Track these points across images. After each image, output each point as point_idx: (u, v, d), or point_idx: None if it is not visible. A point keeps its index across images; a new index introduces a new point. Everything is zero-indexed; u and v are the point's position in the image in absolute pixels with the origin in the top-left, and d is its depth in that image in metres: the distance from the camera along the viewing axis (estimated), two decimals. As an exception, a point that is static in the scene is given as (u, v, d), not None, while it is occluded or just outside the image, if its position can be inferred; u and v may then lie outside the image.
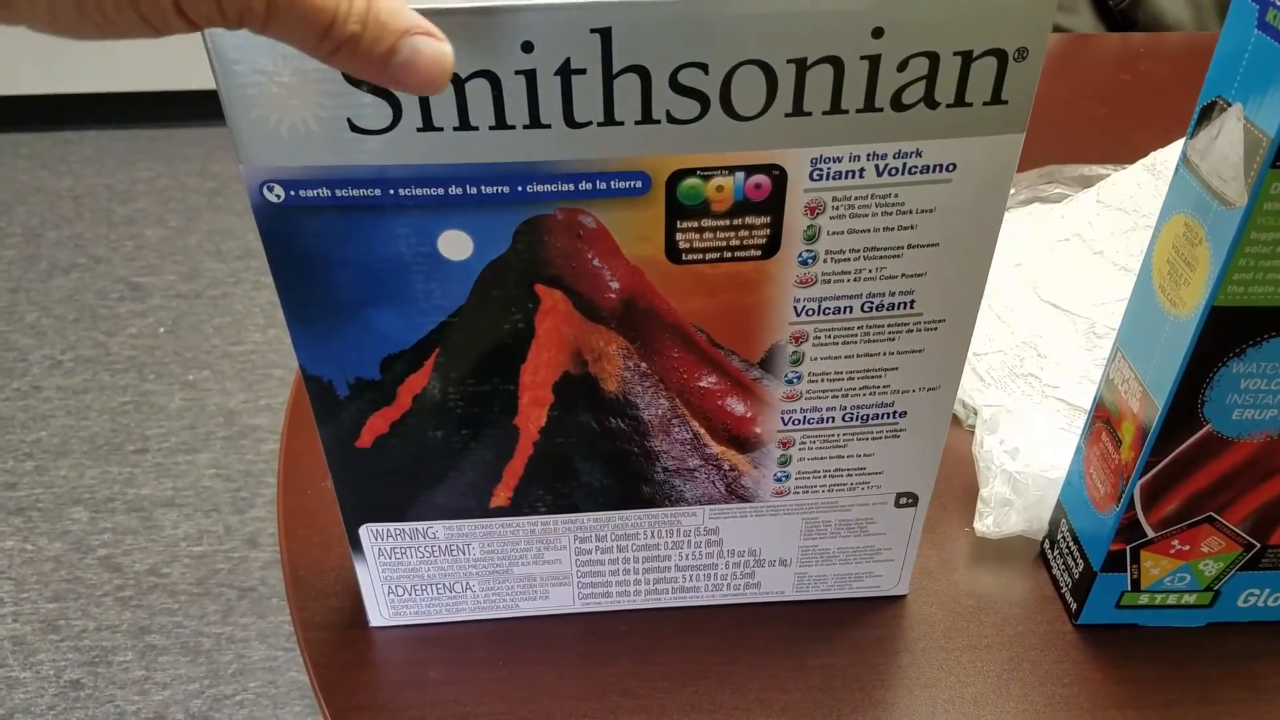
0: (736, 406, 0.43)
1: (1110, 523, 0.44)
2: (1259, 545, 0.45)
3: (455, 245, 0.36)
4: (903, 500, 0.48)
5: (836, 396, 0.44)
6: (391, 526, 0.47)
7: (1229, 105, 0.35)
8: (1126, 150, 0.88)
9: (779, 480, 0.47)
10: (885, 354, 0.42)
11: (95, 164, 2.37)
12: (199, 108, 2.40)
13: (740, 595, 0.51)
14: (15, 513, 1.53)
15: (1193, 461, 0.42)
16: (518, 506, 0.47)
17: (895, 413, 0.44)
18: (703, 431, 0.44)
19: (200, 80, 2.35)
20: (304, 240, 0.36)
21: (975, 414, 0.59)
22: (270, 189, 0.34)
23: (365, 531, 0.47)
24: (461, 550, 0.49)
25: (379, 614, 0.50)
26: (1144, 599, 0.47)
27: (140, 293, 1.96)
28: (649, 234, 0.37)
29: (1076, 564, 0.48)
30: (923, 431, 0.45)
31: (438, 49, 0.27)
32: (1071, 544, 0.48)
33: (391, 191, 0.34)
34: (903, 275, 0.39)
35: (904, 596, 0.51)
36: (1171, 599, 0.47)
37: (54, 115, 2.46)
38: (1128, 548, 0.45)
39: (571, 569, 0.50)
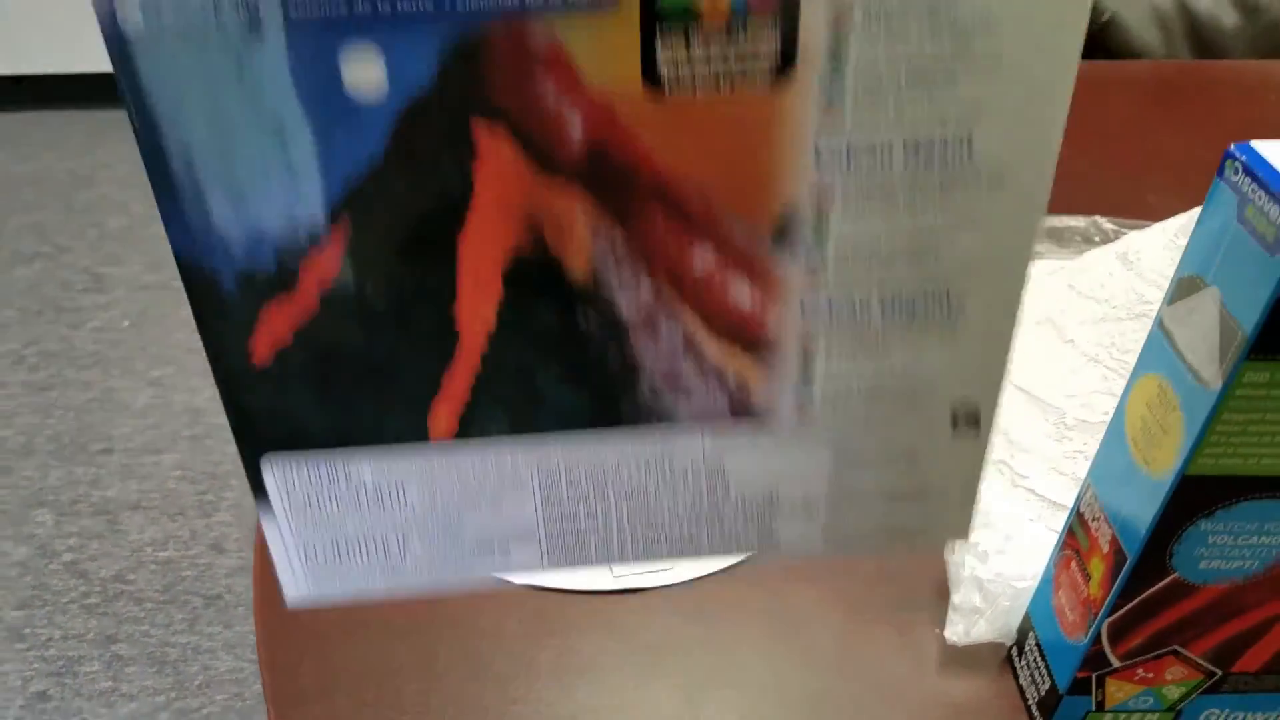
0: (742, 294, 0.33)
1: (1078, 651, 0.45)
2: (1221, 673, 0.45)
3: (365, 80, 0.28)
4: (960, 421, 0.37)
5: (872, 280, 0.33)
6: (304, 469, 0.37)
7: (1206, 285, 0.35)
8: (1091, 198, 0.89)
9: (800, 395, 0.36)
10: (935, 221, 0.32)
11: (56, 147, 2.32)
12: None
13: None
14: (-23, 516, 1.51)
15: (1159, 603, 0.42)
16: (465, 432, 0.37)
17: (947, 300, 0.34)
18: (699, 330, 0.34)
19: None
20: (169, 82, 0.27)
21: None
22: (123, 9, 0.26)
23: (269, 473, 0.36)
24: (396, 496, 0.38)
25: (295, 586, 0.40)
26: (1108, 718, 0.48)
27: (103, 284, 1.93)
28: (620, 56, 0.28)
29: (1043, 681, 0.48)
30: (984, 327, 0.35)
31: None
32: (1039, 659, 0.49)
33: (282, 8, 0.26)
34: (955, 108, 0.29)
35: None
36: (1135, 718, 0.48)
37: (12, 96, 2.40)
38: (1093, 675, 0.46)
39: (537, 520, 0.40)
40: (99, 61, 2.34)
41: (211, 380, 1.46)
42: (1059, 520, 0.56)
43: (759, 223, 0.31)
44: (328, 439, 0.36)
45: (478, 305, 0.33)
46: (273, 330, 0.32)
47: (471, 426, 0.37)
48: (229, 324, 0.32)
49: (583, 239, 0.32)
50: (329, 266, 0.31)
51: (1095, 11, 1.05)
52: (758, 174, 0.30)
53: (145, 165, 0.29)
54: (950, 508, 0.40)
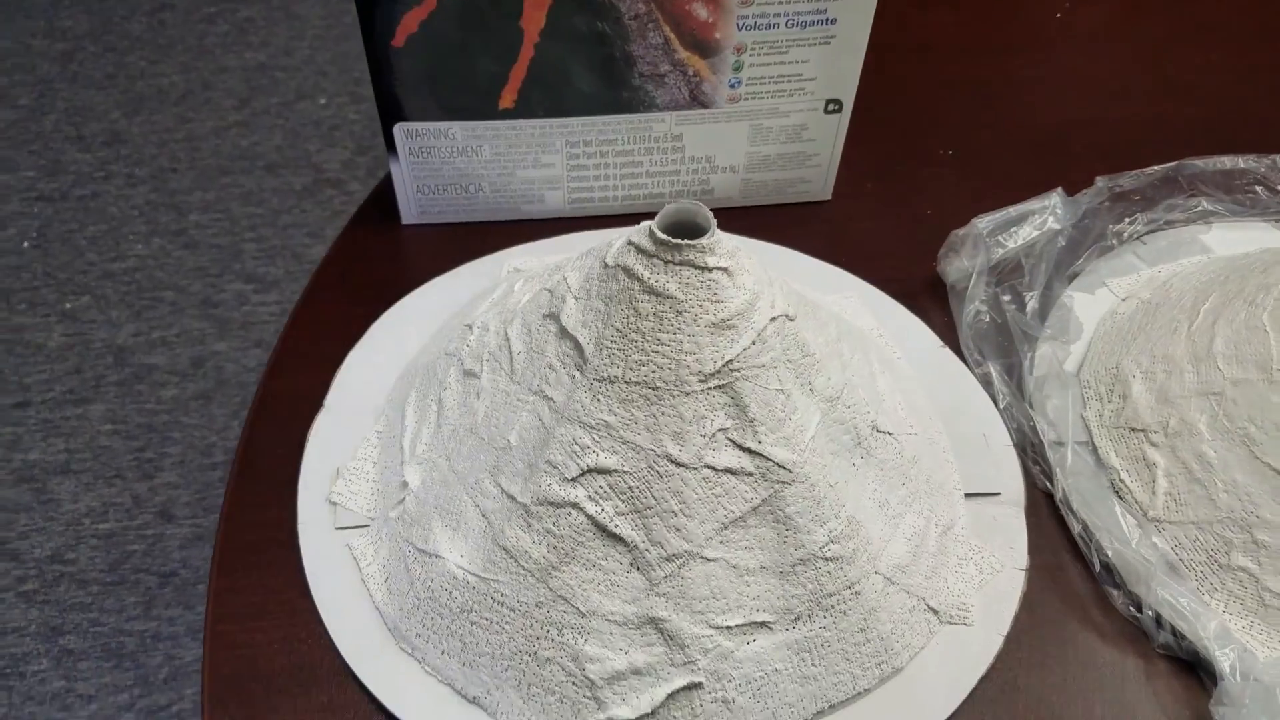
0: (700, 11, 0.53)
1: None
2: None
3: None
4: (830, 107, 0.59)
5: (782, 3, 0.53)
6: (418, 126, 0.57)
7: None
8: (1269, 131, 0.69)
9: (733, 86, 0.57)
10: None
11: (-84, 21, 1.98)
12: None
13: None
14: (-120, 493, 1.31)
15: None
16: (520, 109, 0.57)
17: (827, 19, 0.55)
18: (672, 36, 0.54)
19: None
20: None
21: (1174, 632, 0.44)
22: None
23: (398, 130, 0.58)
24: (475, 152, 0.59)
25: (410, 213, 0.62)
26: None
27: (-7, 195, 1.66)
28: None
29: None
30: (848, 39, 0.56)
31: None
32: None
33: None
34: None
35: (829, 201, 0.64)
36: None
37: None
38: None
39: (563, 173, 0.60)
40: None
41: (133, 310, 1.24)
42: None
43: (714, -41, 0.53)
44: (433, 113, 0.57)
45: (534, 13, 0.53)
46: (406, 24, 0.53)
47: (524, 106, 0.57)
48: (381, 18, 0.52)
49: (602, -34, 0.53)
50: (445, -18, 0.52)
51: None
52: (712, -81, 0.53)
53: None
54: (821, 170, 0.62)
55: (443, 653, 0.44)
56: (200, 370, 1.42)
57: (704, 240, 0.39)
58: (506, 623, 0.43)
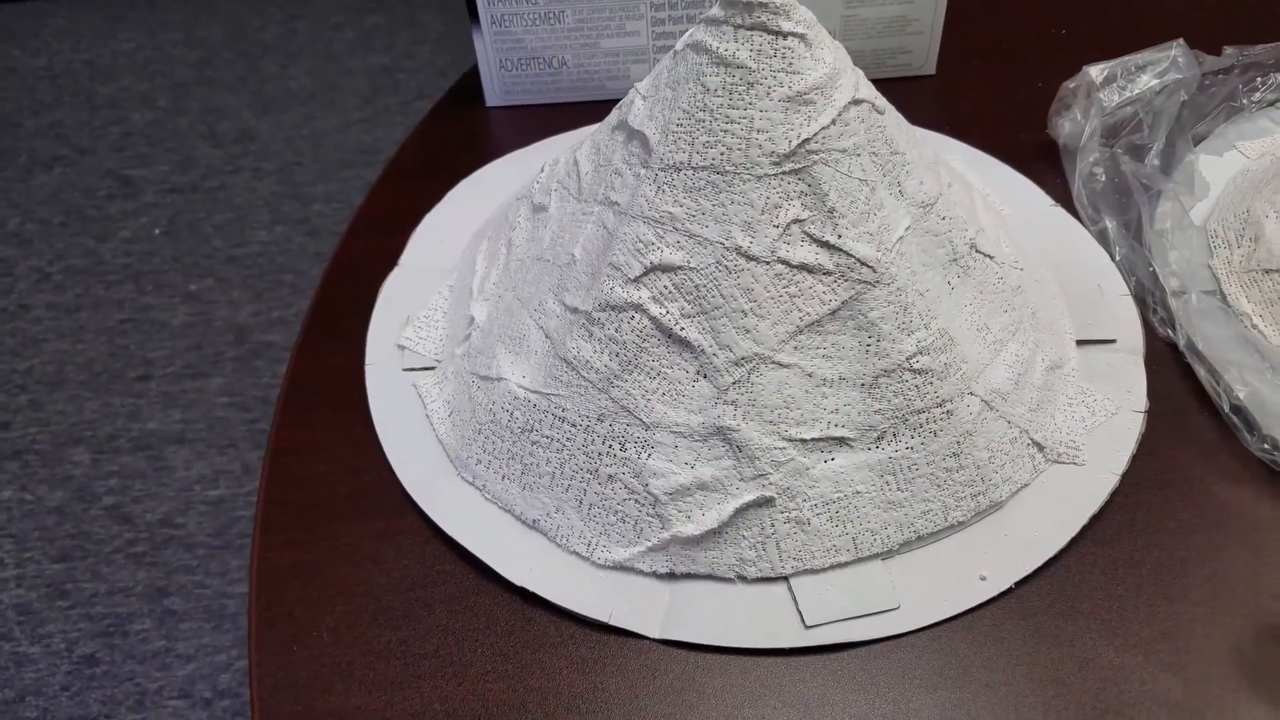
0: None
1: None
2: None
3: None
4: None
5: None
6: None
7: None
8: None
9: None
10: None
11: (71, 36, 2.10)
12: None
13: None
14: (11, 456, 1.36)
15: None
16: None
17: None
18: None
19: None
20: None
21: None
22: None
23: None
24: (557, 17, 0.57)
25: (494, 93, 0.61)
26: None
27: (131, 188, 1.74)
28: None
29: None
30: None
31: None
32: None
33: None
34: None
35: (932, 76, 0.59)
36: None
37: (21, -19, 2.18)
38: None
39: (648, 42, 0.58)
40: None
41: (253, 292, 1.26)
42: None
43: None
44: None
45: None
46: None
47: None
48: None
49: None
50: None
51: None
52: None
53: None
54: (923, 38, 0.59)
55: (503, 477, 0.42)
56: (312, 347, 1.45)
57: (777, 0, 0.37)
58: (568, 439, 0.40)
